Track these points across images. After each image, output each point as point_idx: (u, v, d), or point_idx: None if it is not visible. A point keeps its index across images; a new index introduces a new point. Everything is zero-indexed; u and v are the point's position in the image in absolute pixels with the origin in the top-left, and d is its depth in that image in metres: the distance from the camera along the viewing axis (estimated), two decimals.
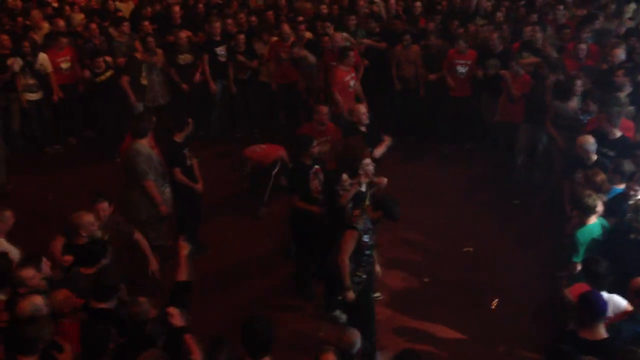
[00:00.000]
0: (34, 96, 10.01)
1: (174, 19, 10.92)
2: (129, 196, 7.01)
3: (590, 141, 6.73)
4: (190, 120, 7.39)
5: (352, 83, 9.27)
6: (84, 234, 5.71)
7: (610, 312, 4.85)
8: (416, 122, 10.58)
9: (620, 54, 8.50)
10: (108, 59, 10.10)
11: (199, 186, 7.52)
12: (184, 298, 5.09)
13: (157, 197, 6.96)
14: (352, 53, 9.20)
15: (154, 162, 6.99)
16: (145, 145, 7.01)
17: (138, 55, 10.09)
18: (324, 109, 7.72)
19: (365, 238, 5.76)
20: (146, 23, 10.74)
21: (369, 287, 6.09)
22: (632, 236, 5.60)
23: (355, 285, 5.85)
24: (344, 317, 6.45)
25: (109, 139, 10.14)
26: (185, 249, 5.40)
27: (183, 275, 5.22)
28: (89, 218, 5.78)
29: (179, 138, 7.32)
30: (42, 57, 9.97)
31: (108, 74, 9.97)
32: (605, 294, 4.98)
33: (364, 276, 5.93)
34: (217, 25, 10.37)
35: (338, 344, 4.80)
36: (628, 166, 6.30)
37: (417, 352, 4.42)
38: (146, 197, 6.95)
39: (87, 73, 10.06)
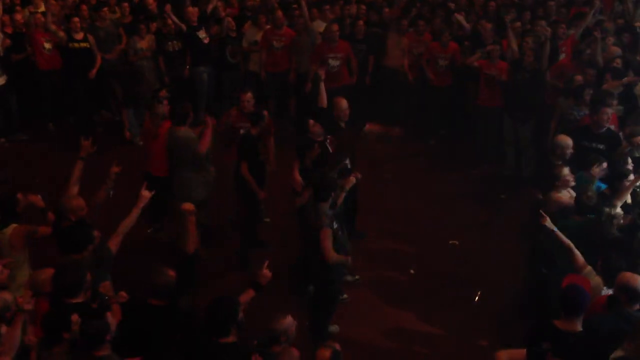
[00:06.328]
0: (1, 81, 9.65)
1: (149, 10, 10.74)
2: (179, 177, 7.11)
3: (568, 142, 6.65)
4: (265, 113, 7.19)
5: None
6: (74, 219, 5.57)
7: None
8: (404, 113, 10.61)
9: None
10: (90, 36, 9.97)
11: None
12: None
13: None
14: None
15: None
16: (188, 130, 7.12)
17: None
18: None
19: (335, 225, 5.77)
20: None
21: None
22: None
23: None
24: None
25: (78, 118, 10.09)
26: (145, 199, 5.35)
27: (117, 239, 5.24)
28: (78, 202, 5.68)
29: (254, 131, 7.11)
30: None
31: (83, 44, 9.86)
32: None
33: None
34: (192, 10, 10.18)
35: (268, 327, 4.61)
36: (592, 157, 6.38)
37: None
38: (198, 178, 7.10)
39: (62, 33, 9.84)
